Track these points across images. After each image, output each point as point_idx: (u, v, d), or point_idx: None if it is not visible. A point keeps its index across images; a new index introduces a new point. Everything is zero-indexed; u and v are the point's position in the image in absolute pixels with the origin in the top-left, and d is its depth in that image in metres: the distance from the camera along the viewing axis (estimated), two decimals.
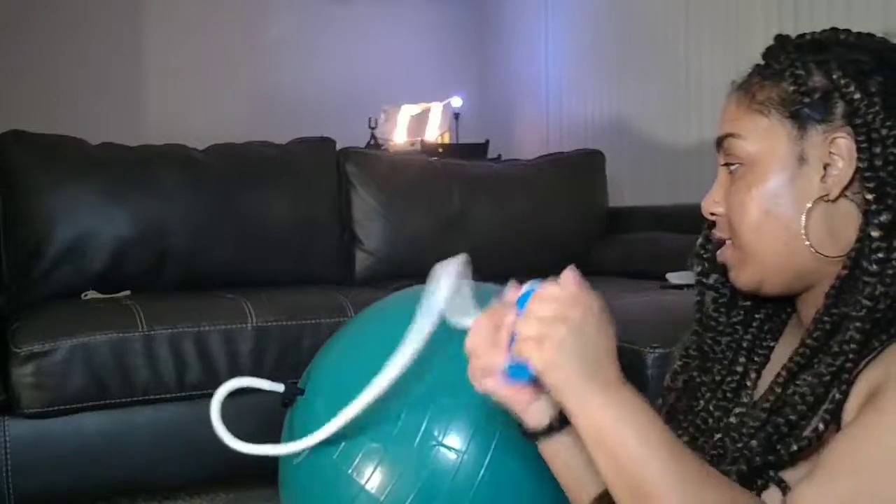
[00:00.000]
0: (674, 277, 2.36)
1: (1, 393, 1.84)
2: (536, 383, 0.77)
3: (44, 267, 2.23)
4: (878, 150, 0.75)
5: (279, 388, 1.11)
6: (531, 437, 0.86)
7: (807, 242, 0.78)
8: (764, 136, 0.80)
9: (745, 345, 0.87)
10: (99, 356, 1.89)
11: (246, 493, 2.08)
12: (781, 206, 0.79)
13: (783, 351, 0.85)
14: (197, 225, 2.40)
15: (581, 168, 3.14)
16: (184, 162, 2.47)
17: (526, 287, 0.78)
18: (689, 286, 2.28)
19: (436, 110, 4.05)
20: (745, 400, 0.85)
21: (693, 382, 0.89)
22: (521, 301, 0.77)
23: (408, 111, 4.04)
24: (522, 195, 2.92)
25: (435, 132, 4.03)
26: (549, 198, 2.96)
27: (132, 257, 2.31)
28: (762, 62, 0.85)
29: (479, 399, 0.99)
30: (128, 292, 2.24)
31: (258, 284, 2.36)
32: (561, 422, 0.83)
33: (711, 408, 0.86)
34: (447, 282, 0.84)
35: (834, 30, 0.83)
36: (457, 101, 4.12)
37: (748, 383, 0.86)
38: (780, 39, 0.84)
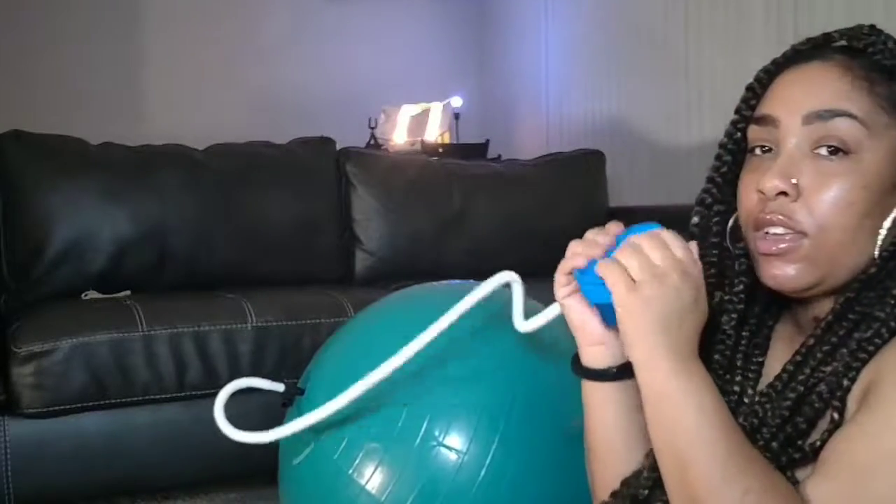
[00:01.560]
0: None
1: (1, 393, 1.84)
2: (608, 315, 0.77)
3: (44, 267, 2.23)
4: None
5: (279, 387, 1.11)
6: (582, 373, 0.85)
7: (877, 252, 0.76)
8: (883, 134, 0.76)
9: (738, 363, 0.85)
10: (99, 356, 1.89)
11: (246, 493, 2.08)
12: (876, 212, 0.76)
13: (776, 366, 0.83)
14: (197, 225, 2.40)
15: (581, 168, 3.14)
16: (184, 162, 2.47)
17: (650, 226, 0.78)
18: None
19: (436, 110, 4.05)
20: (742, 421, 0.83)
21: None
22: (638, 230, 0.76)
23: (408, 111, 4.03)
24: (522, 195, 2.92)
25: (435, 132, 4.02)
26: (549, 198, 2.96)
27: (132, 257, 2.31)
28: (851, 42, 0.81)
29: (480, 399, 0.99)
30: (128, 292, 2.24)
31: (258, 284, 2.36)
32: (616, 374, 0.82)
33: None
34: (492, 284, 0.85)
35: (873, 27, 0.82)
36: (457, 101, 4.12)
37: (746, 400, 0.84)
38: (874, 29, 0.82)
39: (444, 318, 0.88)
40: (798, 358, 0.79)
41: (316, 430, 1.01)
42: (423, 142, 3.89)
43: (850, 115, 0.76)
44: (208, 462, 1.97)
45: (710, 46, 3.12)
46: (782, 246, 0.78)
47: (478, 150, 3.88)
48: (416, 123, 4.02)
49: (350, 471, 0.99)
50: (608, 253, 0.78)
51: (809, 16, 2.70)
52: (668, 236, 0.75)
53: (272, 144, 2.69)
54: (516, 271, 0.90)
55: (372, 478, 0.98)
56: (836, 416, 0.73)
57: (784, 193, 0.77)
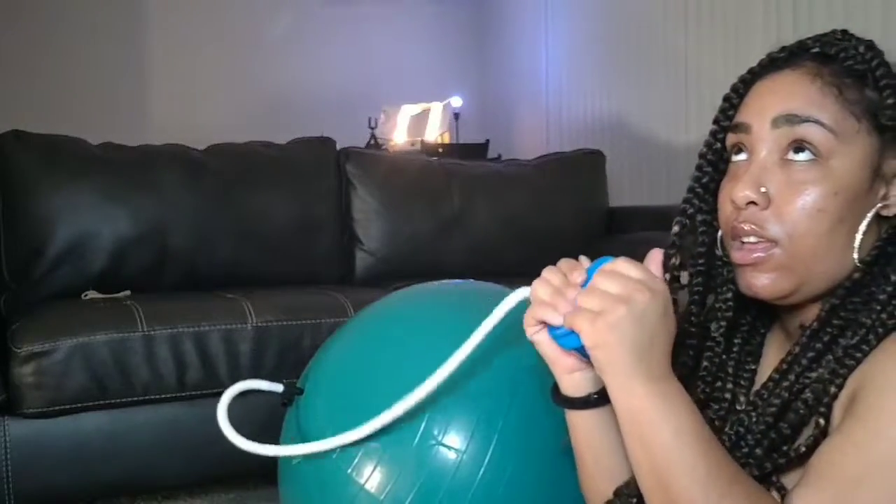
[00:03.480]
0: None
1: (1, 393, 1.84)
2: (584, 354, 0.76)
3: (44, 267, 2.23)
4: None
5: (279, 388, 1.11)
6: (562, 402, 0.84)
7: (856, 256, 0.76)
8: (853, 139, 0.76)
9: (729, 370, 0.85)
10: (99, 356, 1.89)
11: (246, 493, 2.08)
12: (849, 217, 0.76)
13: (767, 373, 0.83)
14: (197, 225, 2.40)
15: (581, 168, 3.13)
16: (184, 162, 2.47)
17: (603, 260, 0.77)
18: (681, 286, 2.27)
19: (436, 110, 4.05)
20: (728, 430, 0.83)
21: None
22: (593, 269, 0.76)
23: (408, 111, 4.04)
24: (522, 195, 2.92)
25: (435, 132, 4.03)
26: (549, 198, 2.96)
27: (132, 257, 2.31)
28: (823, 49, 0.80)
29: (478, 398, 0.99)
30: (128, 292, 2.24)
31: (258, 284, 2.36)
32: (597, 400, 0.81)
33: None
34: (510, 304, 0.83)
35: (845, 32, 0.81)
36: (457, 101, 4.12)
37: (738, 407, 0.84)
38: (846, 34, 0.81)
39: (464, 345, 0.86)
40: (784, 366, 0.79)
41: (315, 430, 1.01)
42: (423, 142, 3.90)
43: (818, 122, 0.76)
44: (208, 462, 1.97)
45: (710, 46, 3.12)
46: (755, 255, 0.78)
47: (478, 150, 3.88)
48: (416, 123, 4.02)
49: (349, 470, 0.99)
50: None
51: (809, 16, 2.70)
52: (621, 264, 0.74)
53: (272, 144, 2.69)
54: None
55: (371, 477, 0.98)
56: (821, 422, 0.73)
57: (754, 203, 0.77)
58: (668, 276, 0.79)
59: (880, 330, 0.73)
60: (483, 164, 3.21)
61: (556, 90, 4.10)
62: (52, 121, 2.52)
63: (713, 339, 0.84)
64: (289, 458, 1.08)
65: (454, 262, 2.68)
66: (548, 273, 0.80)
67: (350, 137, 3.12)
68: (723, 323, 0.83)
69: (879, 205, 0.77)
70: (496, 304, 0.85)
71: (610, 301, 0.71)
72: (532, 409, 1.00)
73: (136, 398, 1.94)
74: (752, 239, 0.78)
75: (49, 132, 2.38)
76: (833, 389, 0.73)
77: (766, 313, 0.87)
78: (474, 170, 2.98)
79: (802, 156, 0.76)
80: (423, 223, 2.75)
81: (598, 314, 0.71)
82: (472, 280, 1.27)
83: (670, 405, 0.71)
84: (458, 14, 4.53)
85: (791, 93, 0.78)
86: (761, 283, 0.78)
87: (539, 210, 2.91)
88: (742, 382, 0.86)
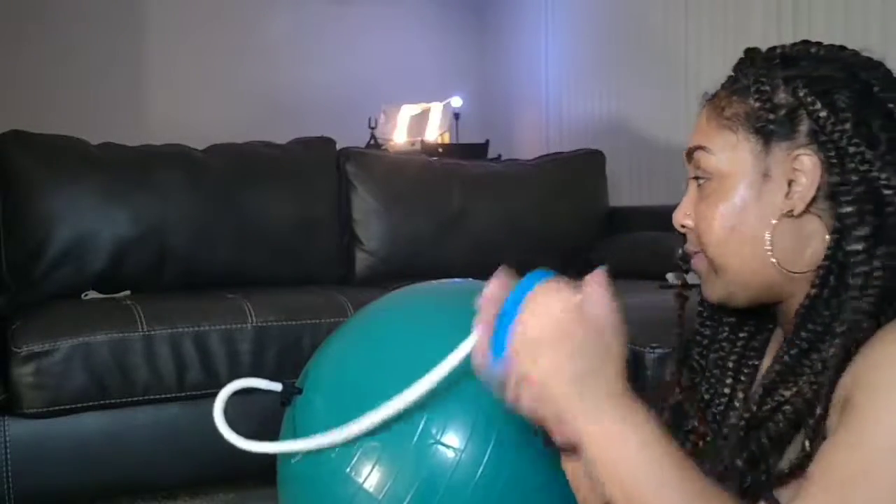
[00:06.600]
0: (674, 277, 2.36)
1: (1, 393, 1.84)
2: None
3: (44, 267, 2.23)
4: (851, 165, 0.75)
5: (277, 387, 1.11)
6: (552, 446, 0.81)
7: (773, 259, 0.78)
8: (731, 152, 0.80)
9: (731, 364, 0.87)
10: (99, 356, 1.89)
11: (246, 493, 2.08)
12: (747, 222, 0.79)
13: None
14: (197, 225, 2.40)
15: (581, 168, 3.14)
16: (184, 162, 2.47)
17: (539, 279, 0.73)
18: (689, 286, 2.27)
19: (436, 110, 4.05)
20: (733, 422, 0.84)
21: (681, 405, 0.88)
22: (524, 288, 0.71)
23: (408, 111, 4.03)
24: (522, 195, 2.92)
25: (435, 132, 4.02)
26: (549, 198, 2.96)
27: (132, 257, 2.31)
28: (732, 75, 0.85)
29: (477, 397, 0.99)
30: (128, 292, 2.24)
31: (258, 284, 2.37)
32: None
33: (702, 430, 0.86)
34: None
35: (805, 42, 0.82)
36: (457, 101, 4.12)
37: (737, 404, 0.85)
38: (750, 53, 0.84)
39: (423, 380, 0.84)
40: (765, 381, 0.79)
41: (314, 429, 1.01)
42: (423, 142, 3.89)
43: (702, 148, 0.83)
44: (208, 462, 1.97)
45: (711, 46, 3.12)
46: (697, 267, 0.86)
47: (478, 150, 3.88)
48: (416, 123, 4.02)
49: (348, 469, 0.99)
50: (501, 329, 0.72)
51: (809, 16, 2.70)
52: (545, 297, 0.71)
53: (272, 144, 2.69)
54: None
55: (370, 476, 0.98)
56: (806, 443, 0.72)
57: (684, 226, 0.86)
58: (679, 281, 0.88)
59: (859, 335, 0.72)
60: (483, 164, 3.21)
61: (556, 90, 4.10)
62: (52, 121, 2.52)
63: (718, 341, 0.88)
64: (288, 458, 1.08)
65: (454, 262, 2.68)
66: (483, 300, 0.76)
67: (350, 137, 3.11)
68: (724, 328, 0.89)
69: (785, 208, 0.78)
70: None
71: (545, 344, 0.69)
72: None
73: (136, 398, 1.94)
74: (698, 252, 0.85)
75: (49, 132, 2.39)
76: (819, 411, 0.72)
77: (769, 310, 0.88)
78: (474, 170, 2.98)
79: (703, 179, 0.83)
80: (423, 223, 2.75)
81: (536, 356, 0.69)
82: (471, 279, 1.27)
83: (632, 422, 0.69)
84: (458, 14, 4.53)
85: (696, 125, 0.86)
86: (706, 291, 0.86)
87: (539, 210, 2.92)
88: (742, 378, 0.86)
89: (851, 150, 0.75)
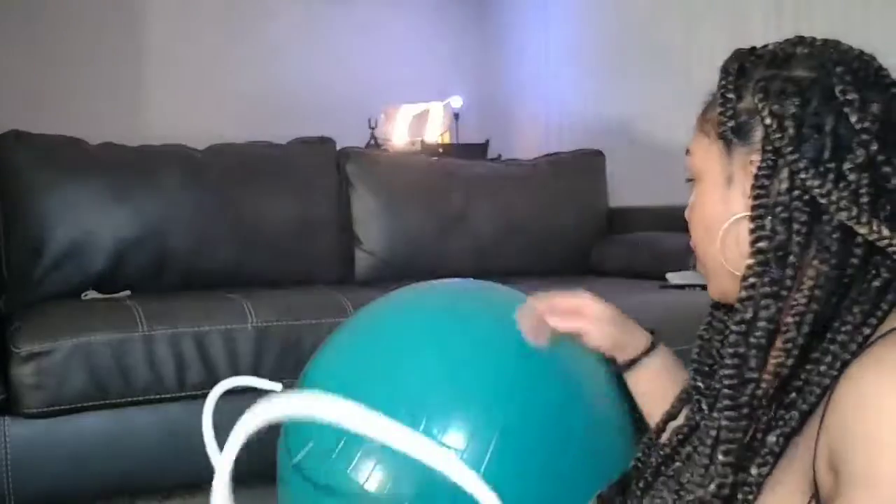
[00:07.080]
0: (674, 277, 2.36)
1: (1, 393, 1.84)
2: None
3: (44, 267, 2.23)
4: (784, 173, 0.75)
5: (277, 387, 1.11)
6: (618, 368, 1.03)
7: (721, 259, 0.81)
8: (705, 156, 0.84)
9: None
10: (99, 356, 1.89)
11: (245, 493, 2.07)
12: (715, 225, 0.82)
13: None
14: (197, 225, 2.40)
15: (581, 168, 3.14)
16: (184, 162, 2.47)
17: None
18: (689, 286, 2.28)
19: (436, 110, 4.05)
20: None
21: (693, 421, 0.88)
22: None
23: (408, 111, 4.03)
24: (522, 195, 2.92)
25: (435, 132, 4.02)
26: (549, 198, 2.96)
27: (132, 257, 2.31)
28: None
29: (478, 397, 0.99)
30: (128, 292, 2.24)
31: (258, 284, 2.36)
32: (642, 354, 1.01)
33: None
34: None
35: (800, 39, 0.81)
36: (457, 101, 4.12)
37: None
38: (737, 54, 0.84)
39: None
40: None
41: (314, 428, 1.01)
42: (423, 142, 3.89)
43: (687, 151, 0.88)
44: (208, 462, 1.95)
45: (710, 46, 3.12)
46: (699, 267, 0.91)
47: (478, 150, 3.88)
48: (416, 123, 4.02)
49: (348, 469, 0.99)
50: None
51: (809, 17, 2.70)
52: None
53: (272, 144, 2.69)
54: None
55: (370, 476, 0.98)
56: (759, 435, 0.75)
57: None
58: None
59: (838, 364, 0.71)
60: (483, 164, 3.21)
61: (556, 90, 4.09)
62: (52, 121, 2.52)
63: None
64: (287, 458, 1.08)
65: (454, 262, 2.68)
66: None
67: (350, 137, 3.11)
68: (714, 324, 0.94)
69: (741, 212, 0.79)
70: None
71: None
72: (532, 409, 1.00)
73: (136, 398, 1.94)
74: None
75: (49, 132, 2.38)
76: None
77: None
78: (474, 170, 2.98)
79: (691, 180, 0.88)
80: (423, 223, 2.75)
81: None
82: (471, 279, 1.27)
83: None
84: (458, 14, 4.52)
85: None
86: (708, 288, 0.89)
87: (539, 210, 2.92)
88: None
89: (789, 158, 0.75)
